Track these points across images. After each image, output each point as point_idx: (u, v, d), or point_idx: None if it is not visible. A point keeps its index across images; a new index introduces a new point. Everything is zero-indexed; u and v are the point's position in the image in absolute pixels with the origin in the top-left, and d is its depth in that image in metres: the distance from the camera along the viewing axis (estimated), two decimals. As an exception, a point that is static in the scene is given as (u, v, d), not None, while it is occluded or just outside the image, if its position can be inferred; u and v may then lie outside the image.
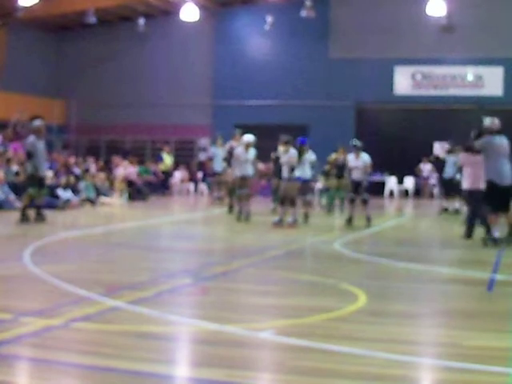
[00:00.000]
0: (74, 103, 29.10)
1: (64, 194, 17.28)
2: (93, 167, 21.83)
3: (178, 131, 28.16)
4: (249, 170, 14.74)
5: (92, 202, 18.46)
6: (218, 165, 19.13)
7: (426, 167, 24.06)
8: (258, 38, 27.33)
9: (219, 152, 19.08)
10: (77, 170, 20.00)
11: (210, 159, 20.22)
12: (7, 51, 26.05)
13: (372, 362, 4.37)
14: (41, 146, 13.25)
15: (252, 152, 14.75)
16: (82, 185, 18.55)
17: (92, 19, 25.70)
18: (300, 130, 25.56)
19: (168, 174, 25.24)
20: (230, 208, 16.62)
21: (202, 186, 25.42)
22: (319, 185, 20.74)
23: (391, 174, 25.67)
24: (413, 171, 24.27)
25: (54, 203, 16.43)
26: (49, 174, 17.08)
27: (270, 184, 19.30)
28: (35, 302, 5.94)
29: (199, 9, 25.90)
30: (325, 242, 11.24)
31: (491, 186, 10.39)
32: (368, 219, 13.86)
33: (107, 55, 28.71)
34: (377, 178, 26.25)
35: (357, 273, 8.15)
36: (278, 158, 14.62)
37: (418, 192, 25.26)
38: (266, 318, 5.66)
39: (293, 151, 13.60)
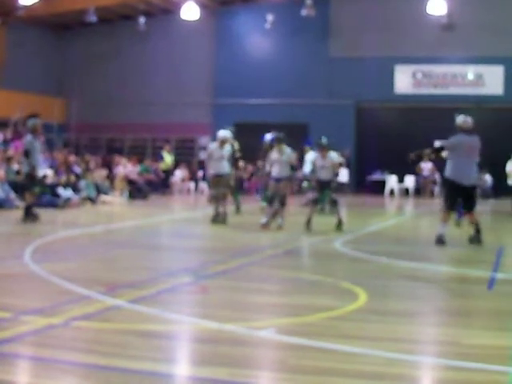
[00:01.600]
0: (75, 102, 29.12)
1: (64, 193, 17.27)
2: (92, 163, 21.79)
3: (179, 130, 28.17)
4: (225, 168, 13.78)
5: (92, 200, 18.45)
6: None
7: (426, 166, 24.05)
8: (258, 36, 27.34)
9: None
10: (77, 169, 20.00)
11: None
12: (8, 50, 26.08)
13: (372, 360, 4.37)
14: (37, 144, 13.02)
15: (228, 149, 13.93)
16: (82, 183, 18.55)
17: (92, 18, 25.74)
18: (300, 129, 25.65)
19: (168, 173, 25.24)
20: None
21: (203, 185, 25.42)
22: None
23: (391, 172, 25.69)
24: (413, 170, 24.27)
25: (55, 202, 16.43)
26: (49, 173, 17.09)
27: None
28: (35, 301, 5.94)
29: (199, 7, 25.91)
30: (324, 240, 11.23)
31: (449, 184, 10.45)
32: (339, 221, 12.65)
33: (108, 54, 28.72)
34: (377, 176, 26.30)
35: (357, 271, 8.14)
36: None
37: (419, 191, 25.26)
38: (266, 317, 5.66)
39: (289, 150, 13.30)
